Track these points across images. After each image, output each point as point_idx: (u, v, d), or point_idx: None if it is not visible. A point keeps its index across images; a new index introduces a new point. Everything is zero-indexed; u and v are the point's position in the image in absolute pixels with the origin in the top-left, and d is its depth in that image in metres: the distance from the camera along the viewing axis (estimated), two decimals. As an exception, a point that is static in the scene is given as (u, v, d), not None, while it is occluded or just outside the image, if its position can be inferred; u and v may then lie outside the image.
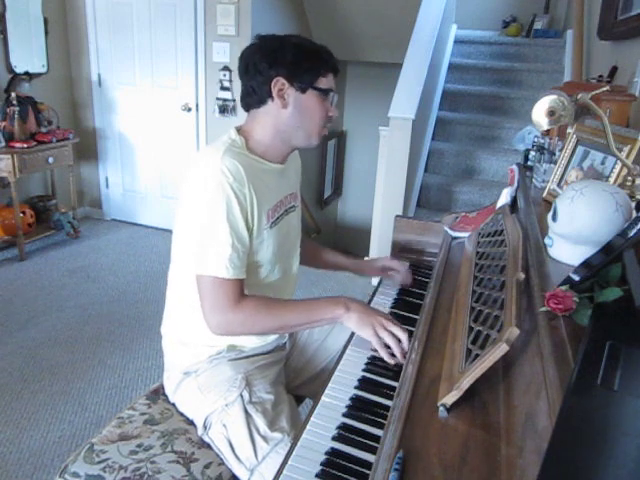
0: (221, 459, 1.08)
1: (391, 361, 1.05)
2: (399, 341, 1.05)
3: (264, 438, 1.04)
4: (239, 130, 1.14)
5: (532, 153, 1.69)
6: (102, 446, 1.08)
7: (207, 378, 1.15)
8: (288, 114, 1.10)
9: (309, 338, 1.36)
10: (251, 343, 1.20)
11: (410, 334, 1.06)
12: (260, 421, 1.05)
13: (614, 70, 2.21)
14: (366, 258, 3.34)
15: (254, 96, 1.11)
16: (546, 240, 0.96)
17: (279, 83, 1.08)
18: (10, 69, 3.43)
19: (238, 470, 1.05)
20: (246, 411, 1.07)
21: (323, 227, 5.23)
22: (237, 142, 1.10)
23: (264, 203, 1.10)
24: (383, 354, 1.05)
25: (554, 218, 0.91)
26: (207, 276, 1.04)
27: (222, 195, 1.01)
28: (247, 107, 1.15)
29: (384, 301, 1.33)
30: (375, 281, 1.51)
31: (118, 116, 4.02)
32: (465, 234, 1.49)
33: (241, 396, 1.09)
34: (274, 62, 1.07)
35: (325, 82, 1.10)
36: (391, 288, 1.42)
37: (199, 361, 1.17)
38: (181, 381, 1.18)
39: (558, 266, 0.90)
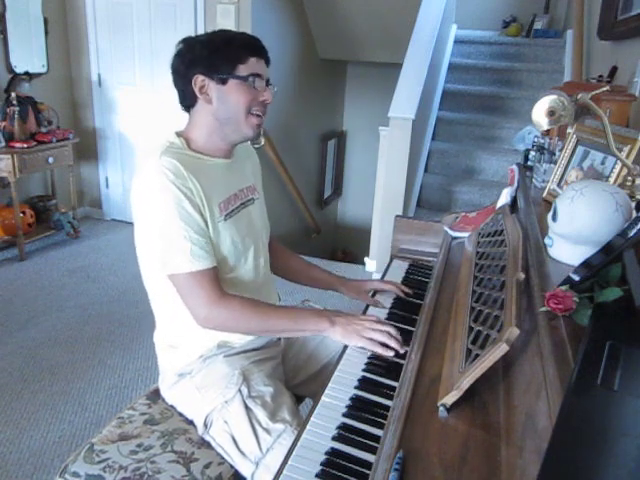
0: (222, 458, 1.08)
1: (389, 353, 1.05)
2: (389, 336, 1.06)
3: (266, 430, 1.04)
4: (179, 134, 1.16)
5: (532, 153, 1.70)
6: (102, 446, 1.08)
7: (203, 377, 1.15)
8: (214, 109, 1.12)
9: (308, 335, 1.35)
10: (240, 340, 1.20)
11: (410, 334, 1.07)
12: (261, 414, 1.06)
13: (614, 70, 2.21)
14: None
15: (185, 99, 1.15)
16: (546, 240, 0.96)
17: (199, 80, 1.11)
18: (10, 69, 3.43)
19: (242, 465, 1.05)
20: (246, 406, 1.08)
21: (323, 227, 5.24)
22: (176, 143, 1.13)
23: (213, 196, 1.11)
24: (378, 350, 1.06)
25: (554, 218, 0.91)
26: (177, 275, 1.06)
27: (168, 194, 1.03)
28: (186, 110, 1.18)
29: (384, 301, 1.33)
30: (376, 277, 1.47)
31: (118, 116, 4.02)
32: (465, 234, 1.49)
33: (240, 391, 1.10)
34: (190, 62, 1.11)
35: (245, 69, 1.09)
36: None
37: (191, 361, 1.17)
38: (176, 383, 1.19)
39: (558, 266, 0.90)
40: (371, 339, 1.07)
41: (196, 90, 1.11)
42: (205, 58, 1.09)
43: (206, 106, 1.13)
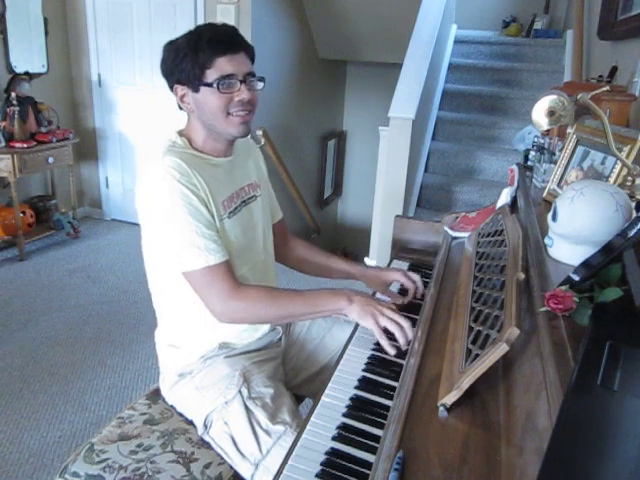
0: (222, 458, 1.08)
1: (391, 351, 1.04)
2: (401, 330, 1.04)
3: (266, 432, 1.04)
4: (181, 133, 1.16)
5: (532, 153, 1.69)
6: (102, 446, 1.08)
7: (204, 378, 1.15)
8: (197, 116, 1.12)
9: (307, 335, 1.35)
10: (242, 341, 1.20)
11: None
12: (261, 415, 1.06)
13: (614, 70, 2.20)
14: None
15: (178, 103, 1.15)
16: (546, 240, 0.96)
17: (178, 90, 1.12)
18: (10, 69, 3.43)
19: (242, 466, 1.04)
20: (246, 407, 1.07)
21: (323, 227, 5.24)
22: (178, 143, 1.13)
23: (217, 194, 1.11)
24: (383, 343, 1.04)
25: (554, 218, 0.91)
26: (192, 271, 1.06)
27: (175, 192, 1.04)
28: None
29: (384, 301, 1.33)
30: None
31: (118, 116, 4.02)
32: (465, 234, 1.49)
33: (240, 392, 1.10)
34: (166, 72, 1.12)
35: (213, 73, 1.06)
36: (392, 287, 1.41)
37: (192, 362, 1.17)
38: (176, 382, 1.19)
39: (558, 266, 0.90)
40: (383, 328, 1.05)
41: (178, 100, 1.13)
42: (176, 68, 1.08)
43: (189, 113, 1.14)
